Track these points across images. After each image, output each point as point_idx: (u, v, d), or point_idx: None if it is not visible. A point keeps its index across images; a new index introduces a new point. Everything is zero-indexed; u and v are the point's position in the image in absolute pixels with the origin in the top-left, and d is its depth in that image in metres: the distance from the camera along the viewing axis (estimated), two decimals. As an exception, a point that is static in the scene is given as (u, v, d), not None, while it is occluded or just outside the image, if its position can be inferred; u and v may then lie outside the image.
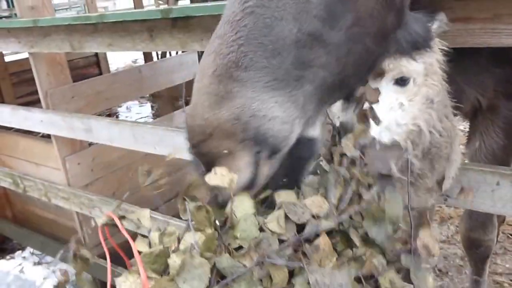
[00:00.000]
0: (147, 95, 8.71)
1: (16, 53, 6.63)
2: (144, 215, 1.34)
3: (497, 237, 3.57)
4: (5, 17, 13.37)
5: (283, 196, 1.10)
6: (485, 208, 1.58)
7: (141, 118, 8.16)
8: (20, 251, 4.51)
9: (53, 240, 4.17)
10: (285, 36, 1.02)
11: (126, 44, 2.42)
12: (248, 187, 1.07)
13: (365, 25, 1.10)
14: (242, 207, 1.07)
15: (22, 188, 3.78)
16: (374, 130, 1.21)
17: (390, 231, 1.08)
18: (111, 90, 3.82)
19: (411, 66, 1.24)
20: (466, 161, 1.79)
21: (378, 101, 1.23)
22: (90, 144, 3.65)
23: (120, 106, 8.81)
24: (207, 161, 1.06)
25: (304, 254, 1.03)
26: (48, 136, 3.55)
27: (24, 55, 4.01)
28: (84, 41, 2.60)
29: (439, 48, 1.31)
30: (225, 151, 1.03)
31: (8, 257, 4.50)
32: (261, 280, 0.99)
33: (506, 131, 1.82)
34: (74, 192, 3.37)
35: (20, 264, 4.27)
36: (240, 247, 1.03)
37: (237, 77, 1.02)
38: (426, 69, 1.27)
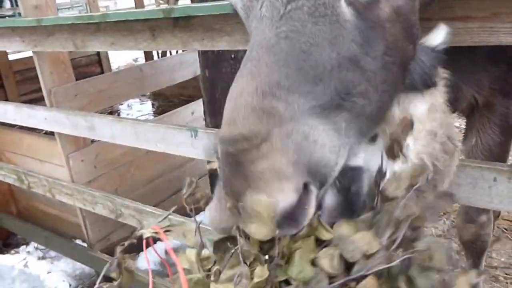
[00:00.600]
0: (148, 93, 8.71)
1: (20, 51, 6.61)
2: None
3: (493, 231, 3.59)
4: (9, 16, 13.32)
5: (344, 228, 1.00)
6: (483, 204, 1.58)
7: (142, 115, 8.15)
8: (24, 246, 4.51)
9: (57, 235, 4.17)
10: (324, 62, 0.98)
11: (129, 43, 2.41)
12: (294, 212, 0.92)
13: (393, 55, 1.08)
14: (303, 248, 0.97)
15: (26, 184, 3.78)
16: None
17: (435, 281, 0.99)
18: (113, 88, 3.82)
19: (417, 111, 1.20)
20: (463, 158, 1.79)
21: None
22: (93, 141, 3.64)
23: (122, 104, 8.79)
24: (242, 174, 0.93)
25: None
26: (51, 134, 3.55)
27: (28, 53, 4.00)
28: (87, 40, 2.58)
29: (442, 78, 1.29)
30: (271, 168, 0.90)
31: (12, 251, 4.49)
32: None
33: (502, 128, 1.81)
34: (77, 188, 3.39)
35: (24, 259, 4.26)
36: (287, 281, 0.95)
37: (281, 97, 0.94)
38: (430, 105, 1.25)
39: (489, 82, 1.70)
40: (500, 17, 1.37)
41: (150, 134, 2.62)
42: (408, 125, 1.16)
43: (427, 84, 1.18)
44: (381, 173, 1.11)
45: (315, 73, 0.97)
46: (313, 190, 0.93)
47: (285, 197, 0.89)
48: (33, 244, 4.51)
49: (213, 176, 3.56)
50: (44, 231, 4.25)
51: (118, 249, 1.25)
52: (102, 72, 8.00)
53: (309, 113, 0.95)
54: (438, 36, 1.22)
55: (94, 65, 8.53)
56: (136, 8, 9.11)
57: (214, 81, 3.29)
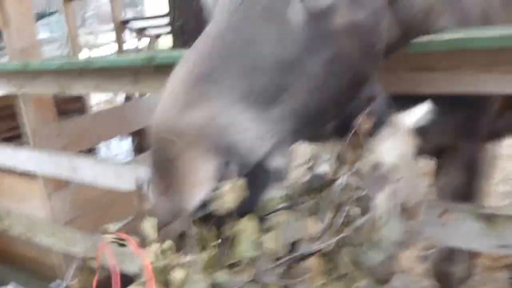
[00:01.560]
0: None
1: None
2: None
3: (472, 269, 3.69)
4: None
5: (281, 217, 1.11)
6: (451, 243, 1.70)
7: (121, 153, 8.18)
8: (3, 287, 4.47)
9: (36, 277, 4.16)
10: (267, 56, 1.07)
11: (113, 87, 2.54)
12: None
13: (342, 65, 1.17)
14: (246, 230, 1.07)
15: (6, 224, 3.80)
16: None
17: (383, 257, 1.12)
18: (95, 128, 3.91)
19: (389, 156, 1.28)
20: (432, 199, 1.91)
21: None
22: (73, 181, 3.70)
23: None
24: (168, 167, 1.01)
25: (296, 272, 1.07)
26: (33, 173, 3.60)
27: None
28: (72, 83, 2.70)
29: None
30: (191, 157, 0.99)
31: (-9, 292, 4.45)
32: None
33: (467, 170, 1.95)
34: (57, 228, 3.42)
35: (2, 300, 4.23)
36: (238, 263, 1.06)
37: (211, 87, 1.03)
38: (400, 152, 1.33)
39: (454, 126, 1.84)
40: (460, 69, 1.53)
41: (132, 175, 2.70)
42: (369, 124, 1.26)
43: (382, 119, 1.29)
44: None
45: (254, 66, 1.06)
46: (229, 172, 1.03)
47: (204, 183, 1.01)
48: (12, 284, 4.47)
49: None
50: (23, 273, 4.24)
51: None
52: (82, 108, 8.02)
53: (238, 100, 1.03)
54: (418, 113, 1.38)
55: (74, 101, 8.56)
56: (116, 42, 9.26)
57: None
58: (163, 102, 1.07)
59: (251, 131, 1.05)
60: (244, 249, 1.06)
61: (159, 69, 2.29)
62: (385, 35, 1.31)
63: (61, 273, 3.87)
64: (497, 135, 2.28)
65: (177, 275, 1.06)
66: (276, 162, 1.12)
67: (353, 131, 1.23)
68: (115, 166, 2.81)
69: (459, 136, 1.87)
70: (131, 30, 9.94)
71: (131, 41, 18.60)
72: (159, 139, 1.04)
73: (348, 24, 1.16)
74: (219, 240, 1.07)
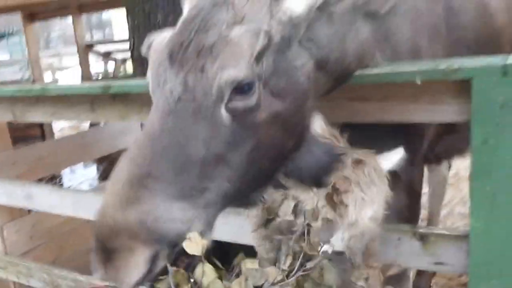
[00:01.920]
0: (92, 157, 8.77)
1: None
2: None
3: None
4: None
5: (248, 264, 1.34)
6: (391, 260, 1.86)
7: (86, 180, 8.17)
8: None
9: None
10: (194, 156, 1.27)
11: (70, 115, 2.63)
12: (144, 279, 1.29)
13: (263, 150, 1.37)
14: (208, 273, 1.30)
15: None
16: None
17: None
18: (54, 155, 3.97)
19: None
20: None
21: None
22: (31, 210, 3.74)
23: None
24: (109, 257, 1.25)
25: None
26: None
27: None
28: (27, 110, 2.78)
29: None
30: (128, 249, 1.24)
31: None
32: None
33: (406, 192, 2.11)
34: (11, 261, 3.42)
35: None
36: None
37: (147, 186, 1.24)
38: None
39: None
40: (390, 99, 1.71)
41: (89, 203, 2.77)
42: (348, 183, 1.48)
43: (319, 176, 1.48)
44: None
45: (184, 164, 1.27)
46: (162, 256, 1.30)
47: (137, 271, 1.26)
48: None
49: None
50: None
51: None
52: (43, 135, 8.01)
53: (169, 196, 1.26)
54: (392, 159, 1.60)
55: (34, 128, 8.54)
56: (80, 66, 9.31)
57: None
58: (105, 200, 1.28)
59: (181, 219, 1.28)
60: None
61: (116, 98, 2.41)
62: (318, 93, 1.53)
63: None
64: (437, 159, 2.46)
65: None
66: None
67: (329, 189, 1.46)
68: (72, 194, 2.89)
69: None
70: (97, 53, 10.02)
71: (97, 64, 18.64)
72: (100, 233, 1.27)
73: (269, 117, 1.33)
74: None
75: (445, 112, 1.61)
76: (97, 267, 1.30)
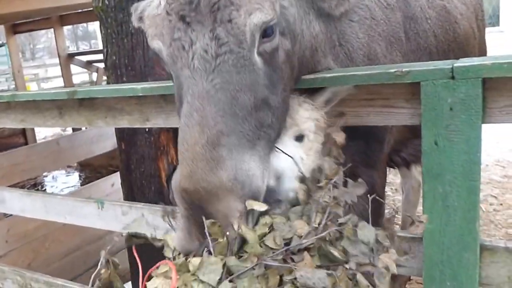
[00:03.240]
0: (75, 164, 8.68)
1: None
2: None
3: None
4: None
5: (277, 220, 1.33)
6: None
7: (68, 187, 8.08)
8: None
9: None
10: (247, 104, 1.26)
11: (38, 121, 2.58)
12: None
13: (287, 89, 1.40)
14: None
15: None
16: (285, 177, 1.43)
17: (365, 249, 1.36)
18: (29, 162, 3.91)
19: (305, 124, 1.50)
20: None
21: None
22: (6, 215, 3.67)
23: (46, 176, 8.69)
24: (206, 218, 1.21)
25: (292, 261, 1.28)
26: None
27: None
28: (-2, 117, 2.72)
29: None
30: (227, 208, 1.21)
31: None
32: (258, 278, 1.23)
33: (368, 195, 2.08)
34: (-17, 265, 3.35)
35: None
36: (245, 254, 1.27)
37: (224, 143, 1.21)
38: (315, 126, 1.53)
39: (351, 154, 1.98)
40: (346, 103, 1.67)
41: (59, 207, 2.72)
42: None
43: None
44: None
45: (242, 115, 1.26)
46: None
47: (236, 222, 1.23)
48: None
49: (131, 250, 3.64)
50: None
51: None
52: (26, 143, 7.92)
53: (242, 150, 1.25)
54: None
55: (18, 136, 8.43)
56: (62, 76, 9.24)
57: (129, 153, 3.46)
58: (188, 167, 1.23)
59: (258, 175, 1.27)
60: (251, 247, 1.27)
61: (83, 104, 2.36)
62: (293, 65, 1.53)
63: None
64: (405, 162, 2.44)
65: (195, 260, 1.25)
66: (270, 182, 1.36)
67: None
68: (43, 197, 2.81)
69: (357, 164, 2.01)
70: (79, 63, 9.94)
71: (83, 74, 18.51)
72: (197, 198, 1.22)
73: (285, 55, 1.39)
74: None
75: (398, 115, 1.59)
76: (196, 233, 1.26)
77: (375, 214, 2.18)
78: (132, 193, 3.49)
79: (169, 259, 1.42)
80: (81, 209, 2.62)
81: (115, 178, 4.31)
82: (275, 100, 1.34)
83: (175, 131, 1.45)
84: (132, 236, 1.88)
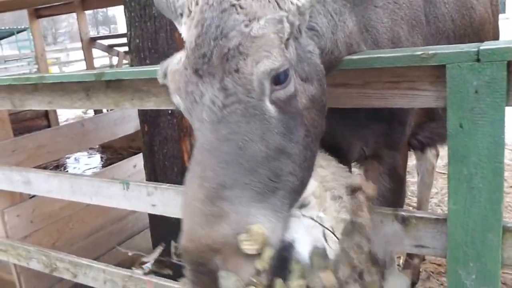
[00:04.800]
0: (97, 146, 8.82)
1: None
2: None
3: (419, 274, 3.86)
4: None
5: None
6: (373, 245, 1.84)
7: (90, 169, 8.21)
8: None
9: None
10: (257, 155, 1.21)
11: (65, 103, 2.64)
12: None
13: (311, 134, 1.36)
14: None
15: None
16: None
17: None
18: (53, 143, 3.98)
19: (310, 188, 1.47)
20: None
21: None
22: (31, 196, 3.76)
23: (69, 158, 8.86)
24: (213, 282, 1.16)
25: None
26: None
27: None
28: (25, 99, 2.79)
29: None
30: (232, 264, 1.15)
31: None
32: None
33: (390, 176, 2.10)
34: (11, 244, 3.46)
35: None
36: None
37: (225, 197, 1.16)
38: (319, 176, 1.53)
39: (374, 137, 2.01)
40: (371, 85, 1.69)
41: (85, 187, 2.79)
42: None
43: None
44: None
45: (250, 166, 1.21)
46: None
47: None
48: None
49: (154, 229, 3.73)
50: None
51: None
52: (49, 126, 8.06)
53: (249, 202, 1.19)
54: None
55: (41, 119, 8.58)
56: (85, 60, 9.36)
57: (152, 135, 3.53)
58: (189, 223, 1.20)
59: (268, 222, 1.21)
60: None
61: (110, 86, 2.41)
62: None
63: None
64: (421, 145, 2.47)
65: None
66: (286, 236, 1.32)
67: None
68: (69, 178, 2.89)
69: (380, 146, 2.04)
70: (100, 47, 10.06)
71: (103, 58, 18.70)
72: (199, 256, 1.17)
73: (308, 101, 1.34)
74: None
75: (423, 97, 1.60)
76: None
77: (396, 195, 2.22)
78: (155, 175, 3.57)
79: None
80: (106, 189, 2.69)
81: (137, 160, 4.38)
82: (294, 147, 1.29)
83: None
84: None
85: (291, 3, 1.33)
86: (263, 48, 1.21)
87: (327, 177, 1.57)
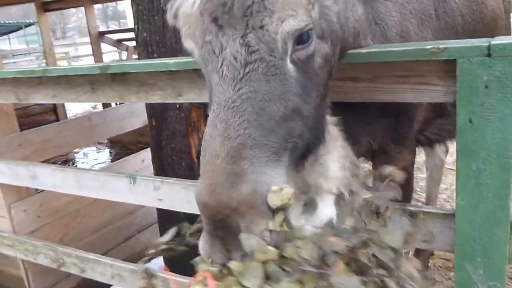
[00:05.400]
0: (105, 141, 8.86)
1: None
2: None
3: (428, 269, 3.84)
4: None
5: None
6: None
7: (98, 164, 8.25)
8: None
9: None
10: (275, 115, 1.22)
11: (70, 96, 2.64)
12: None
13: (322, 95, 1.36)
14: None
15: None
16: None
17: (392, 255, 1.37)
18: (60, 137, 3.99)
19: (333, 167, 1.48)
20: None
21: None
22: (38, 191, 3.77)
23: (77, 152, 8.90)
24: (230, 234, 1.19)
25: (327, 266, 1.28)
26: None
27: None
28: (30, 92, 2.80)
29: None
30: (249, 222, 1.17)
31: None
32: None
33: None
34: (18, 239, 3.48)
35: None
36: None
37: (246, 156, 1.17)
38: (335, 146, 1.52)
39: (381, 131, 2.00)
40: (381, 79, 1.68)
41: (91, 182, 2.81)
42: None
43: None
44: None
45: (269, 126, 1.22)
46: None
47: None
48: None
49: (162, 224, 3.73)
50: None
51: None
52: (57, 120, 8.08)
53: (266, 161, 1.21)
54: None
55: (49, 113, 8.61)
56: (93, 55, 9.39)
57: (159, 129, 3.53)
58: (209, 180, 1.21)
59: (282, 182, 1.22)
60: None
61: (115, 79, 2.41)
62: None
63: (23, 285, 3.91)
64: (429, 141, 2.45)
65: (237, 266, 1.24)
66: None
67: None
68: (75, 173, 2.90)
69: (386, 140, 2.03)
70: (109, 42, 10.07)
71: (112, 53, 18.77)
72: (218, 212, 1.19)
73: (322, 60, 1.33)
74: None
75: (432, 92, 1.59)
76: (220, 247, 1.23)
77: (405, 189, 2.20)
78: (162, 169, 3.57)
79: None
80: (113, 184, 2.70)
81: (145, 154, 4.38)
82: (307, 109, 1.30)
83: (206, 107, 1.44)
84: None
85: None
86: (289, 5, 1.20)
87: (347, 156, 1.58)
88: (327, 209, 1.45)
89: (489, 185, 1.46)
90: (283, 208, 1.21)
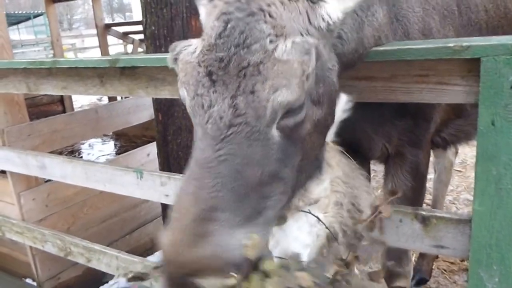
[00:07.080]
0: (110, 133, 8.79)
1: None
2: None
3: (432, 272, 3.78)
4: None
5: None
6: (391, 242, 1.76)
7: (103, 155, 8.19)
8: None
9: (6, 274, 4.20)
10: (251, 179, 1.15)
11: (79, 88, 2.57)
12: None
13: (309, 157, 1.29)
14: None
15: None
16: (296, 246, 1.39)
17: None
18: (68, 129, 3.95)
19: (318, 189, 1.42)
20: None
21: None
22: (47, 180, 3.73)
23: (83, 144, 8.84)
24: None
25: None
26: (3, 172, 3.63)
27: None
28: (40, 83, 2.73)
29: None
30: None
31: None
32: None
33: (412, 174, 2.00)
34: (27, 227, 3.46)
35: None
36: None
37: (213, 219, 1.11)
38: (330, 180, 1.45)
39: (398, 133, 1.91)
40: (398, 78, 1.59)
41: (99, 174, 2.75)
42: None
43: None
44: None
45: (243, 191, 1.15)
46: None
47: None
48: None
49: (166, 217, 3.67)
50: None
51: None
52: (64, 111, 8.02)
53: (237, 224, 1.13)
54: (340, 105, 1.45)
55: (56, 104, 8.54)
56: (100, 47, 9.30)
57: (166, 124, 3.46)
58: (173, 238, 1.15)
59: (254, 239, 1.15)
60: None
61: (124, 73, 2.33)
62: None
63: (31, 271, 3.89)
64: (445, 143, 2.36)
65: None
66: None
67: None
68: (83, 164, 2.84)
69: (403, 143, 1.94)
70: (115, 34, 9.98)
71: (118, 46, 18.68)
72: (175, 271, 1.14)
73: (312, 126, 1.25)
74: None
75: (452, 92, 1.50)
76: None
77: (417, 193, 2.13)
78: (168, 164, 3.51)
79: None
80: (120, 177, 2.63)
81: (151, 148, 4.32)
82: (287, 172, 1.23)
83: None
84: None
85: (322, 19, 1.24)
86: (284, 75, 1.12)
87: (338, 178, 1.50)
88: (301, 235, 1.39)
89: (510, 191, 1.38)
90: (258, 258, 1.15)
